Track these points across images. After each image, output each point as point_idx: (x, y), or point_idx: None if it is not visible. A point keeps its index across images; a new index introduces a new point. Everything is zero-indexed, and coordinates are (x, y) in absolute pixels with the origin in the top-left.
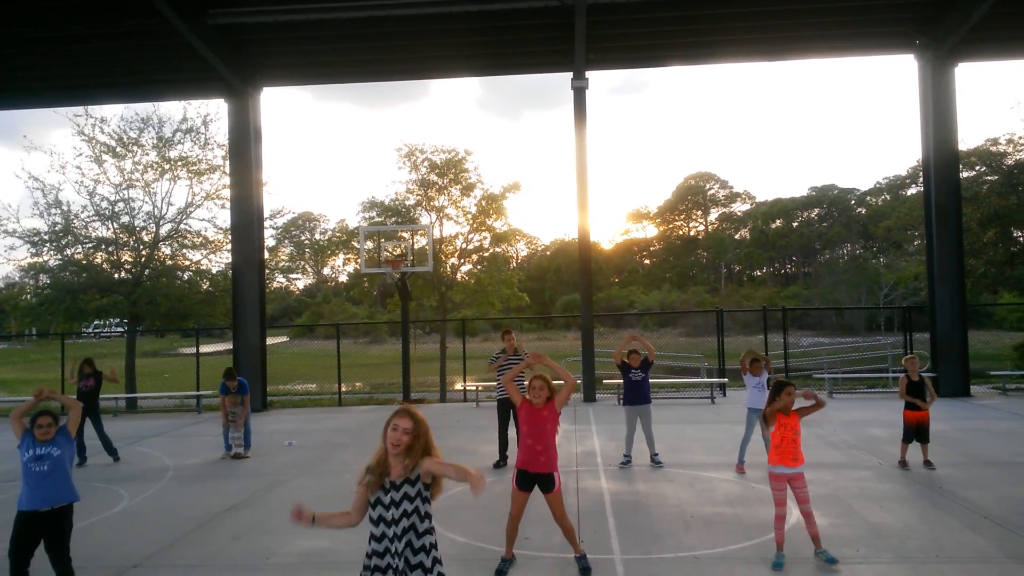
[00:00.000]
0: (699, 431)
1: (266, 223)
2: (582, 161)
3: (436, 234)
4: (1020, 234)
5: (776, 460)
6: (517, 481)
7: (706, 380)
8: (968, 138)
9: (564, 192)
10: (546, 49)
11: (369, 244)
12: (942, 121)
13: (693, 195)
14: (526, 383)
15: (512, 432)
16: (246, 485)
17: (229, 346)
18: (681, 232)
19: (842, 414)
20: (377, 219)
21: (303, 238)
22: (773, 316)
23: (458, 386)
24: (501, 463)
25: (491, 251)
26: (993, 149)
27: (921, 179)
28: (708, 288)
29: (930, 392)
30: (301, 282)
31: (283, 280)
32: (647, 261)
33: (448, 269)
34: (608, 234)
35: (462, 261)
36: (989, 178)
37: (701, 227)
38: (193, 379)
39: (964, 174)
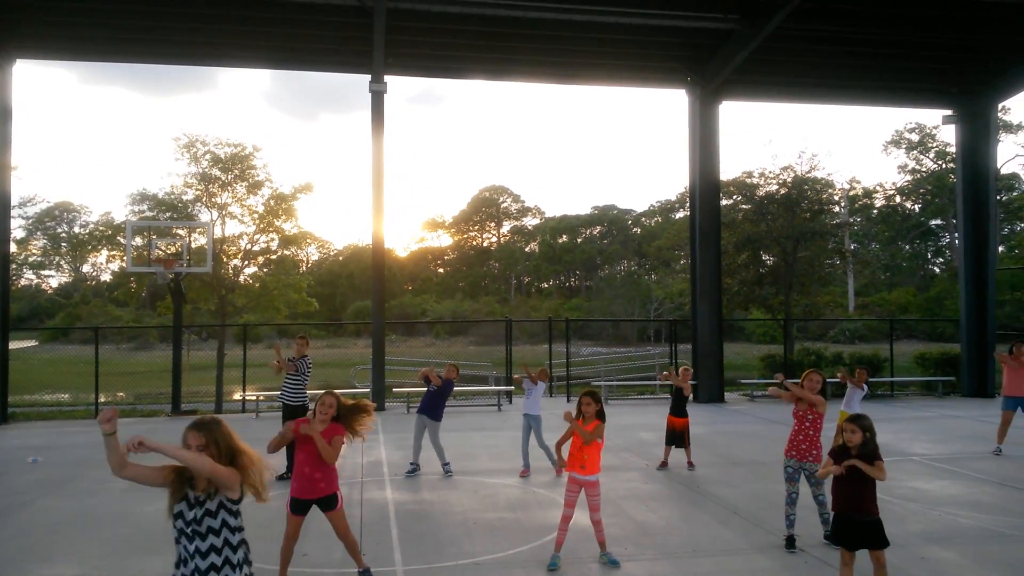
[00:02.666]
0: (485, 438)
1: (14, 212)
2: (378, 166)
3: (218, 233)
4: (767, 257)
5: (568, 465)
6: (291, 507)
7: (493, 388)
8: (728, 169)
9: (359, 197)
10: (345, 49)
11: (138, 240)
12: (707, 153)
13: (487, 207)
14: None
15: None
16: None
17: None
18: (475, 243)
19: (615, 419)
20: (148, 213)
21: (59, 231)
22: (557, 326)
23: (237, 396)
24: (286, 475)
25: (279, 254)
26: (748, 181)
27: (688, 204)
28: (499, 298)
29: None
30: (55, 280)
31: (33, 276)
32: (441, 270)
33: (230, 271)
34: (403, 242)
35: (246, 263)
36: (744, 206)
37: (494, 239)
38: None
39: (724, 202)
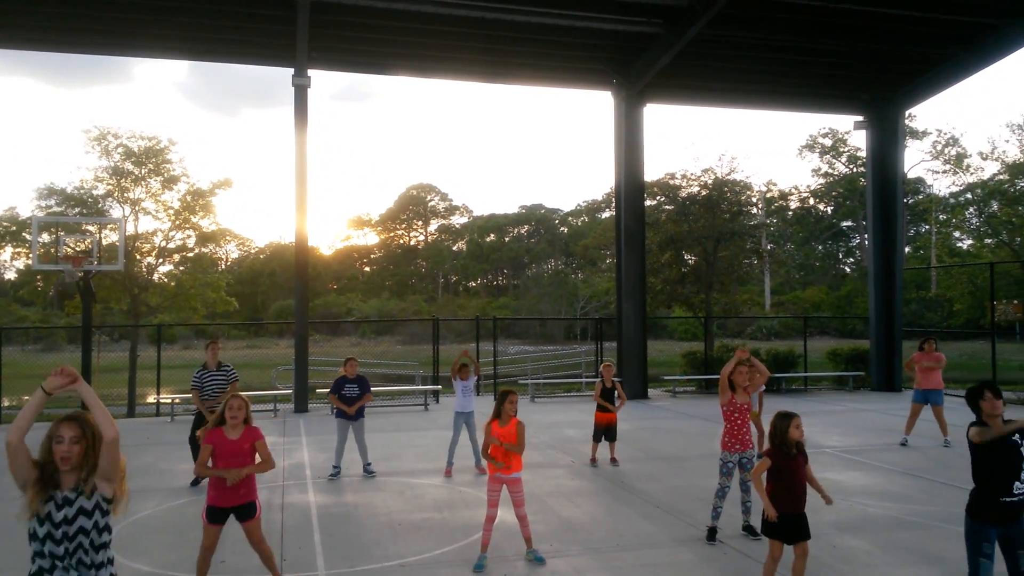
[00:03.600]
0: (411, 438)
1: None
2: (302, 162)
3: (130, 229)
4: (689, 257)
5: (491, 466)
6: (208, 516)
7: (420, 387)
8: (652, 171)
9: (283, 194)
10: (267, 41)
11: (45, 237)
12: (632, 155)
13: (415, 205)
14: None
15: None
16: None
17: None
18: (402, 241)
19: (541, 417)
20: (56, 209)
21: None
22: (485, 325)
23: (151, 399)
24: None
25: (196, 251)
26: (671, 182)
27: (614, 205)
28: (426, 297)
29: (620, 396)
30: None
31: None
32: (367, 268)
33: (143, 269)
34: (328, 240)
35: (161, 261)
36: (667, 207)
37: (421, 237)
38: None
39: (648, 202)
